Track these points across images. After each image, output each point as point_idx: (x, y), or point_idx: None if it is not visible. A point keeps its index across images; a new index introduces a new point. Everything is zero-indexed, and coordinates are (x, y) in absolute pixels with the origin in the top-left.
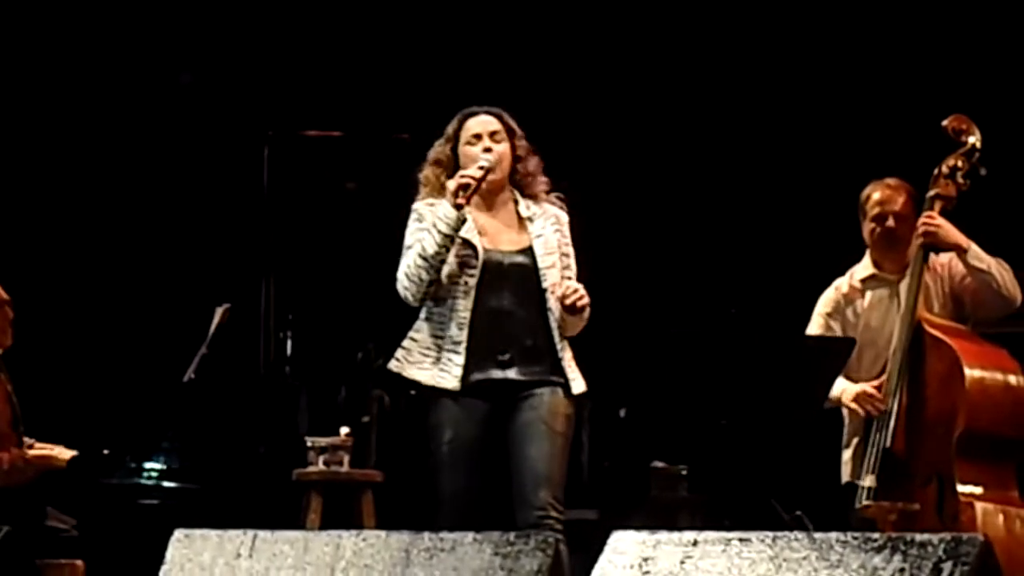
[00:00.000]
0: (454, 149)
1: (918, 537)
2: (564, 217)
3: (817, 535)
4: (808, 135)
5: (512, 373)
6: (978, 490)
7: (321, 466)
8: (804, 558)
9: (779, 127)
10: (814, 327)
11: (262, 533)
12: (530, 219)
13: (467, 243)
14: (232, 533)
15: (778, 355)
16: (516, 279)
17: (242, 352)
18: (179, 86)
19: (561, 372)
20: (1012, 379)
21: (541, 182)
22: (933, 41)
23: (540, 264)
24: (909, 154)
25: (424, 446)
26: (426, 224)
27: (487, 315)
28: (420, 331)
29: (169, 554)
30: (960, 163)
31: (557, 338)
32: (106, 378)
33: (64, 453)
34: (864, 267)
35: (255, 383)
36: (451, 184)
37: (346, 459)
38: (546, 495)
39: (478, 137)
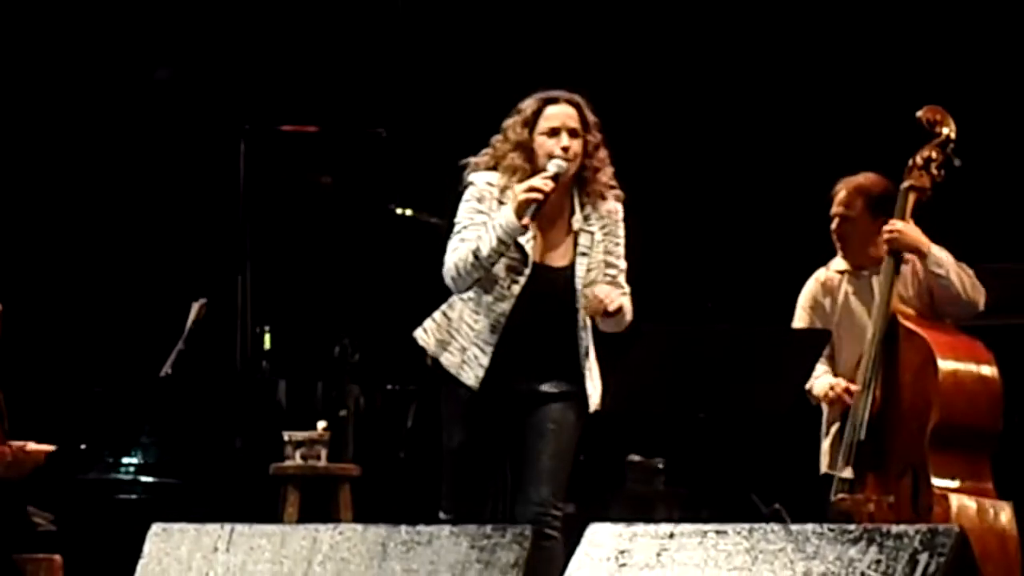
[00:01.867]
0: (531, 134)
1: (894, 529)
2: (619, 213)
3: (793, 527)
4: (784, 128)
5: (531, 386)
6: (952, 482)
7: (298, 460)
8: (780, 550)
9: (756, 120)
10: (798, 321)
11: (239, 527)
12: (581, 232)
13: (520, 249)
14: (209, 527)
15: (753, 348)
16: (556, 295)
17: (219, 347)
18: (156, 81)
19: (581, 386)
20: (986, 370)
21: (605, 176)
22: (909, 32)
23: (578, 284)
24: (887, 145)
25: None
26: (484, 208)
27: (522, 325)
28: (454, 308)
29: (147, 548)
30: (934, 154)
31: (583, 355)
32: (83, 373)
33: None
34: (838, 260)
35: (232, 378)
36: (520, 195)
37: (323, 453)
38: (547, 492)
39: (556, 132)
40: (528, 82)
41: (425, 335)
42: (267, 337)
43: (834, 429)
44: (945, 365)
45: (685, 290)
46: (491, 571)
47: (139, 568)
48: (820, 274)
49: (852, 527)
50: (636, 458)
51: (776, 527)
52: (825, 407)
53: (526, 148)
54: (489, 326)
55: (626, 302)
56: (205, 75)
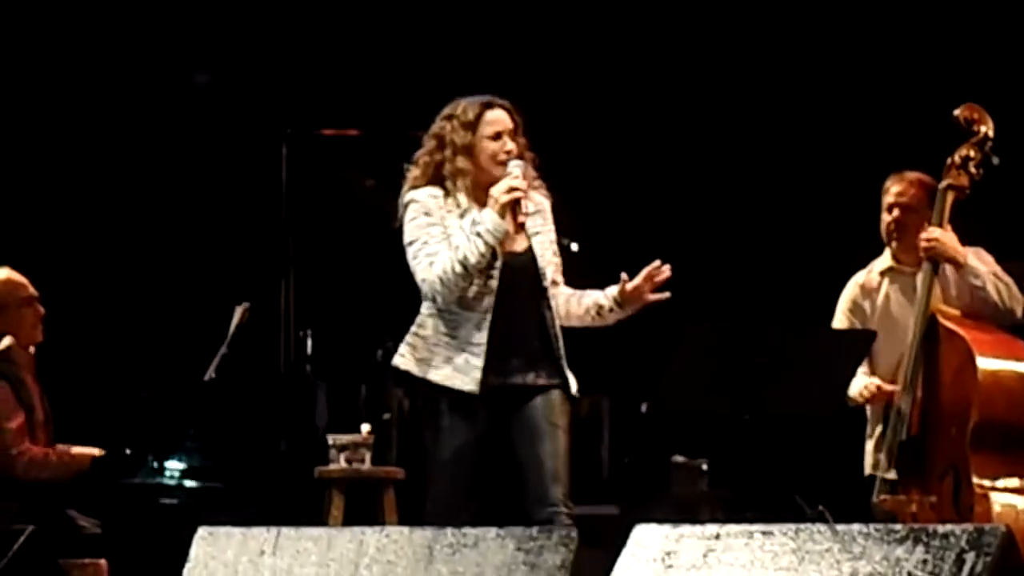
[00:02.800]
0: (474, 138)
1: (940, 528)
2: (546, 202)
3: (839, 527)
4: (826, 128)
5: (524, 378)
6: (994, 482)
7: (343, 464)
8: (827, 550)
9: (798, 120)
10: (837, 324)
11: (285, 530)
12: (526, 215)
13: None
14: (256, 531)
15: (798, 348)
16: (525, 280)
17: (262, 351)
18: (196, 86)
19: (562, 372)
20: None
21: (532, 175)
22: (948, 31)
23: (540, 262)
24: (926, 144)
25: (423, 441)
26: (436, 219)
27: (503, 318)
28: (425, 327)
29: (193, 552)
30: (972, 153)
31: (557, 336)
32: (128, 378)
33: (94, 451)
34: (883, 259)
35: (275, 382)
36: (501, 197)
37: (367, 456)
38: (558, 492)
39: (499, 135)
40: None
41: (404, 359)
42: (310, 341)
43: (878, 431)
44: (985, 364)
45: (727, 291)
46: (537, 573)
47: (185, 572)
48: (860, 277)
49: (898, 527)
50: (680, 459)
51: (822, 527)
52: (869, 408)
53: (470, 151)
54: (474, 328)
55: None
56: (246, 80)
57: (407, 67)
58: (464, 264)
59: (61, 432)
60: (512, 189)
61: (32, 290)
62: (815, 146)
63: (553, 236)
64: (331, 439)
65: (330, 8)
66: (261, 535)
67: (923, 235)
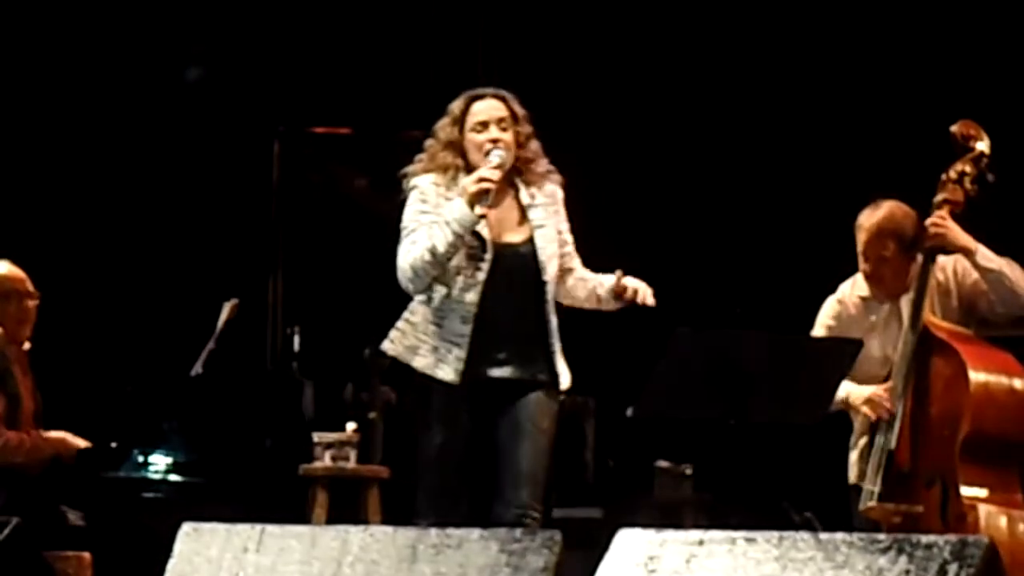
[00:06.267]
0: (461, 132)
1: (924, 539)
2: (559, 192)
3: (823, 535)
4: (817, 136)
5: (508, 372)
6: (981, 493)
7: (328, 461)
8: (810, 558)
9: (789, 127)
10: (817, 333)
11: (270, 528)
12: (531, 207)
13: (476, 235)
14: (240, 527)
15: (785, 354)
16: (520, 273)
17: (249, 347)
18: (188, 82)
19: (552, 368)
20: (1017, 383)
21: (541, 165)
22: (945, 45)
23: (540, 256)
24: (918, 159)
25: (413, 431)
26: (430, 208)
27: (491, 310)
28: (416, 314)
29: (177, 547)
30: (968, 168)
31: (553, 332)
32: (114, 372)
33: (78, 440)
34: (861, 285)
35: (262, 378)
36: (470, 187)
37: (352, 455)
38: (527, 495)
39: (484, 125)
40: (562, 84)
41: (392, 344)
42: (297, 338)
43: (863, 441)
44: (976, 377)
45: (714, 296)
46: (521, 575)
47: (169, 567)
48: (844, 296)
49: (882, 536)
50: (664, 464)
51: (806, 535)
52: (855, 418)
53: (457, 146)
54: (459, 319)
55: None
56: (238, 76)
57: (400, 66)
58: (433, 253)
59: (47, 425)
60: (481, 179)
61: (26, 287)
62: (808, 151)
63: (565, 225)
64: (316, 437)
65: (323, 5)
66: (245, 532)
67: (930, 220)
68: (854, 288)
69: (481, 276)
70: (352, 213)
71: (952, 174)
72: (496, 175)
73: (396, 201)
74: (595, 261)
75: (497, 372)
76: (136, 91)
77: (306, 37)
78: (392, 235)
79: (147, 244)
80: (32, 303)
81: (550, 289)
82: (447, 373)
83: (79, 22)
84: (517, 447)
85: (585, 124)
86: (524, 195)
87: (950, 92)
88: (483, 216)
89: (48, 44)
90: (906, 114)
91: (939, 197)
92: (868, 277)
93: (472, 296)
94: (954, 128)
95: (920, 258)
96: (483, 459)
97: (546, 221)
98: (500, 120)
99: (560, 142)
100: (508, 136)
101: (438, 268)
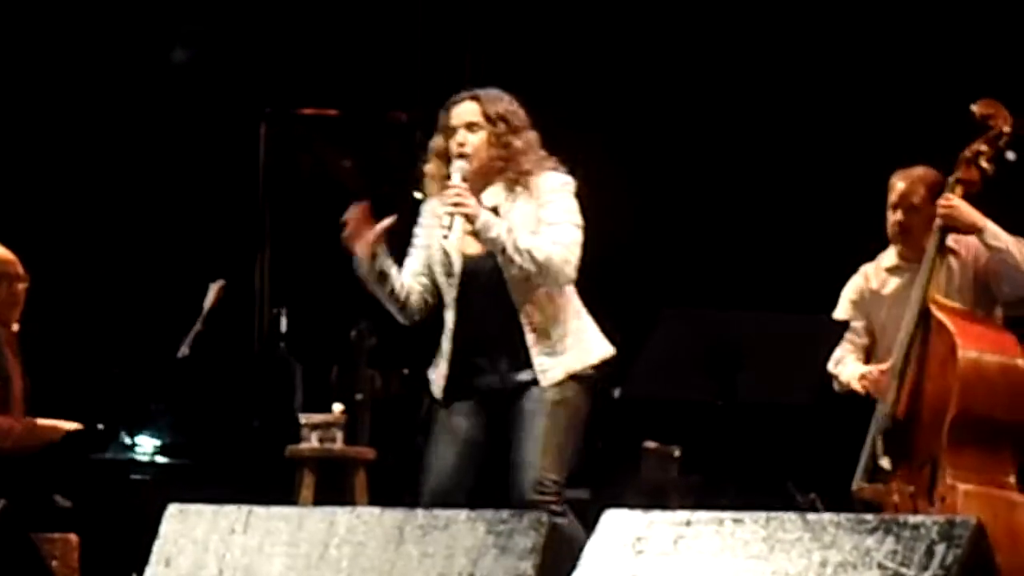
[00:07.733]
0: (445, 141)
1: (911, 519)
2: (548, 182)
3: (810, 516)
4: (834, 118)
5: (493, 378)
6: (966, 473)
7: (314, 443)
8: (797, 539)
9: (807, 108)
10: (840, 312)
11: (256, 509)
12: (500, 209)
13: (445, 253)
14: (226, 509)
15: (771, 334)
16: (487, 282)
17: (236, 328)
18: (175, 64)
19: (531, 369)
20: (1011, 363)
21: (527, 162)
22: (967, 23)
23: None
24: (942, 138)
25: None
26: (419, 232)
27: (466, 325)
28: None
29: (163, 529)
30: (985, 148)
31: (527, 333)
32: (101, 353)
33: (69, 425)
34: (889, 256)
35: (249, 360)
36: (444, 217)
37: (339, 436)
38: (525, 478)
39: (453, 131)
40: (553, 68)
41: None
42: (284, 319)
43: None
44: (967, 355)
45: (705, 279)
46: (508, 556)
47: (155, 549)
48: (868, 270)
49: (869, 516)
50: (652, 445)
51: (793, 516)
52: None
53: (443, 156)
54: (445, 337)
55: (502, 228)
56: (225, 57)
57: (387, 47)
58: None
59: (34, 407)
60: (456, 205)
61: (16, 269)
62: (806, 133)
63: (548, 211)
64: (303, 418)
65: None
66: (232, 513)
67: (940, 200)
68: (879, 262)
69: (454, 293)
70: (339, 194)
71: (968, 153)
72: (461, 193)
73: (383, 182)
74: (596, 251)
75: (481, 381)
76: (122, 72)
77: (293, 18)
78: (379, 215)
79: (134, 226)
80: (22, 286)
81: (515, 288)
82: (436, 391)
83: (66, 3)
84: (513, 439)
85: (583, 108)
86: (490, 198)
87: (972, 73)
88: (445, 237)
89: (34, 25)
90: (929, 93)
91: (954, 176)
92: (899, 231)
93: (450, 314)
94: (974, 107)
95: (932, 237)
96: (490, 468)
97: (515, 218)
98: (469, 124)
99: (555, 127)
100: (476, 139)
101: (391, 302)
